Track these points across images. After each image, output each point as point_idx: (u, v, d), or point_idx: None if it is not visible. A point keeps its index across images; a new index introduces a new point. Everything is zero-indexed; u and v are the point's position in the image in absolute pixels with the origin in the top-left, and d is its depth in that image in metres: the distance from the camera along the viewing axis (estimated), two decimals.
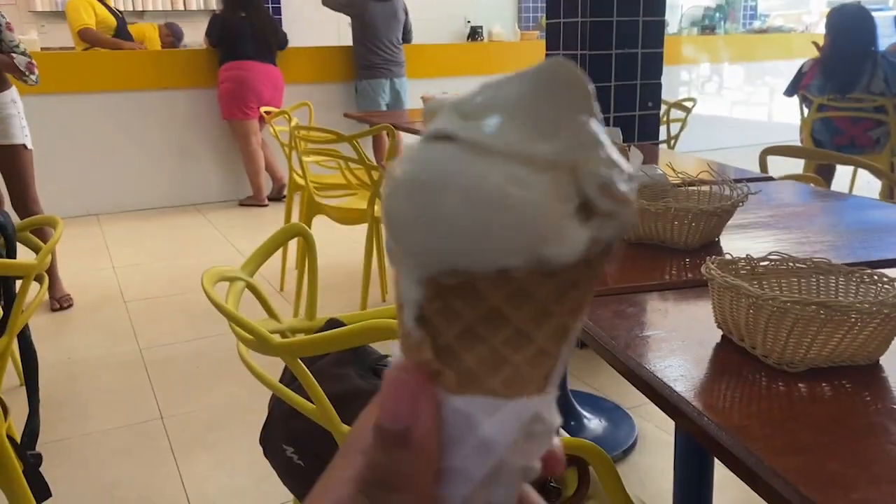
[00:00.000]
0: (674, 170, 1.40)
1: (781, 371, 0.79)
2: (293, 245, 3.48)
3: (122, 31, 5.19)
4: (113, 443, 2.18)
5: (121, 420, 2.31)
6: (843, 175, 3.93)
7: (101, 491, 1.94)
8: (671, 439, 1.82)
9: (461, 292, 0.24)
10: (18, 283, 1.28)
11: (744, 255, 0.94)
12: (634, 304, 1.02)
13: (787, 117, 6.46)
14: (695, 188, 1.36)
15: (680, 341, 0.91)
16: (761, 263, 0.93)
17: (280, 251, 3.58)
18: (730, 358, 0.84)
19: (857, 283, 0.88)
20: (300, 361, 0.86)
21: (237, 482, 1.96)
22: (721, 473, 1.42)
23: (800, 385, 0.77)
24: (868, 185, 4.16)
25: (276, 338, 0.87)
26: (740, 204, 1.23)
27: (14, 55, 2.86)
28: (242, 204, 5.11)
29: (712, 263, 0.88)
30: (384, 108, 5.11)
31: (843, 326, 0.76)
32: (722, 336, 0.89)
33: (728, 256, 0.93)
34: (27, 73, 2.90)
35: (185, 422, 2.28)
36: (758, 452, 0.64)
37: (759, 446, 0.65)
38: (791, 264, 0.92)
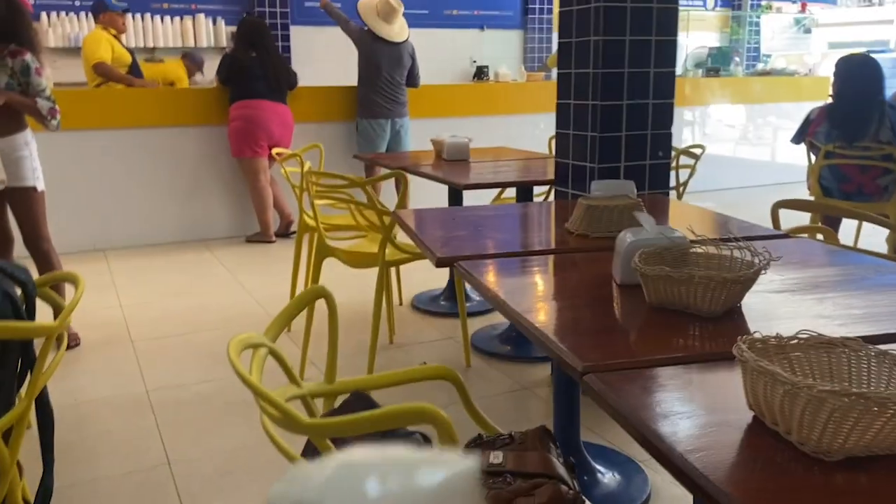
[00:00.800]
0: (694, 232, 1.40)
1: (818, 459, 0.78)
2: (301, 272, 3.48)
3: (134, 70, 5.25)
4: (120, 490, 2.15)
5: (128, 465, 2.28)
6: (850, 220, 3.94)
7: None
8: (683, 493, 1.80)
9: None
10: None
11: (773, 334, 0.94)
12: (661, 379, 1.01)
13: (792, 158, 6.49)
14: (715, 251, 1.37)
15: (711, 423, 0.90)
16: (791, 342, 0.92)
17: (288, 291, 3.58)
18: (763, 442, 0.83)
19: (889, 365, 0.87)
20: (328, 441, 0.85)
21: None
22: None
23: (837, 475, 0.76)
24: (875, 229, 4.17)
25: (304, 417, 0.86)
26: (763, 271, 1.23)
27: (38, 100, 2.89)
28: (249, 240, 5.12)
29: (744, 344, 0.88)
30: (383, 148, 5.14)
31: (883, 416, 0.75)
32: (753, 417, 0.88)
33: (757, 334, 0.93)
34: (49, 119, 2.93)
35: (193, 468, 2.26)
36: None
37: None
38: (821, 343, 0.92)
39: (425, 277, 3.91)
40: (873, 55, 3.83)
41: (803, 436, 0.79)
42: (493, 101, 6.03)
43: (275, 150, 3.84)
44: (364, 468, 0.22)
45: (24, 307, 1.28)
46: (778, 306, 1.33)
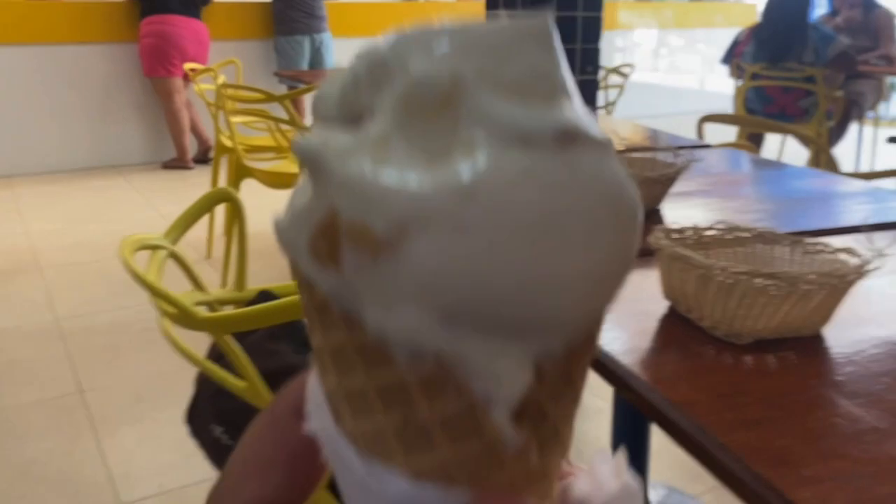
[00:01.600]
0: (618, 137, 1.37)
1: (728, 343, 0.77)
2: (222, 209, 3.35)
3: None
4: (28, 418, 2.06)
5: (35, 394, 2.18)
6: (771, 144, 4.03)
7: (17, 469, 1.82)
8: (606, 406, 1.83)
9: (582, 352, 0.18)
10: None
11: (689, 224, 0.92)
12: None
13: (720, 86, 6.56)
14: (637, 155, 1.34)
15: (626, 312, 0.88)
16: (707, 232, 0.91)
17: (207, 216, 3.44)
18: (676, 329, 0.82)
19: (801, 253, 0.86)
20: (229, 337, 0.79)
21: (162, 459, 1.88)
22: (658, 441, 1.43)
23: (746, 357, 0.75)
24: (795, 153, 4.28)
25: (202, 311, 0.80)
26: (684, 171, 1.21)
27: None
28: (166, 166, 4.89)
29: (660, 233, 0.85)
30: (305, 66, 4.94)
31: (792, 298, 0.74)
32: (668, 307, 0.86)
33: (675, 225, 0.91)
34: None
35: (106, 396, 2.17)
36: (708, 429, 0.62)
37: (709, 421, 0.63)
38: (736, 233, 0.91)
39: None
40: None
41: (716, 320, 0.77)
42: (421, 20, 5.83)
43: (187, 66, 3.62)
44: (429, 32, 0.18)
45: None
46: (697, 210, 1.32)
